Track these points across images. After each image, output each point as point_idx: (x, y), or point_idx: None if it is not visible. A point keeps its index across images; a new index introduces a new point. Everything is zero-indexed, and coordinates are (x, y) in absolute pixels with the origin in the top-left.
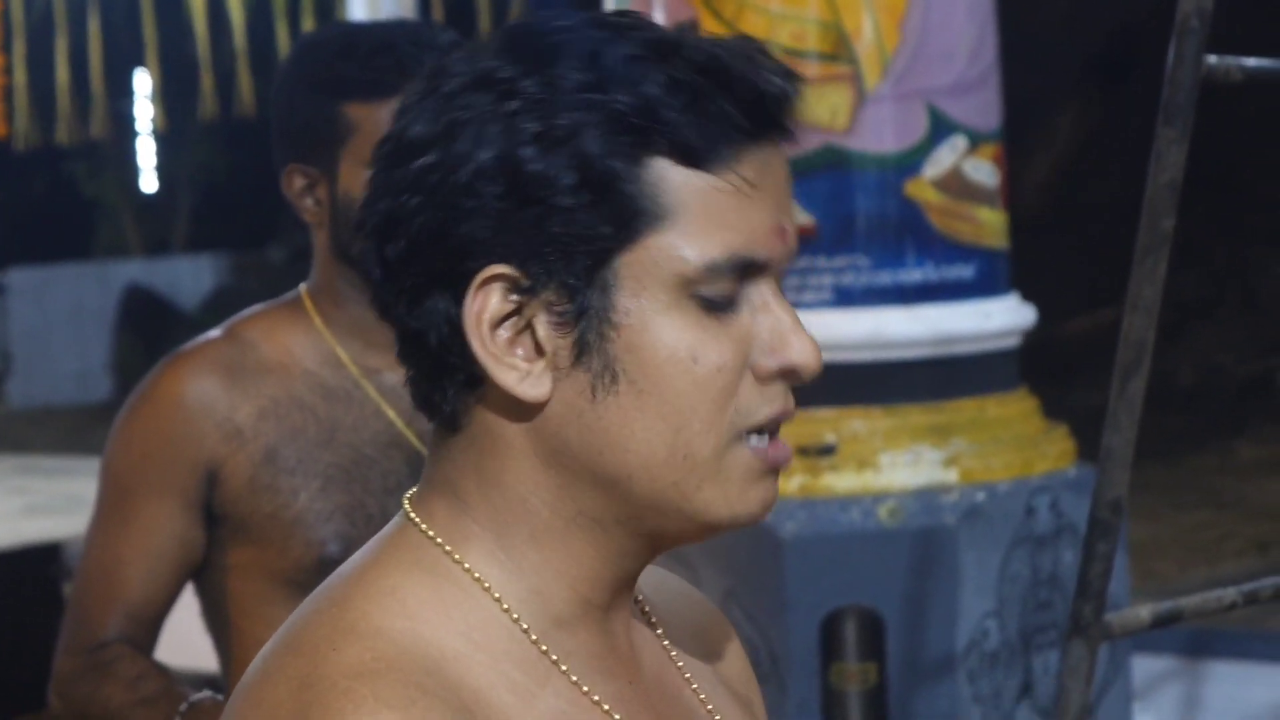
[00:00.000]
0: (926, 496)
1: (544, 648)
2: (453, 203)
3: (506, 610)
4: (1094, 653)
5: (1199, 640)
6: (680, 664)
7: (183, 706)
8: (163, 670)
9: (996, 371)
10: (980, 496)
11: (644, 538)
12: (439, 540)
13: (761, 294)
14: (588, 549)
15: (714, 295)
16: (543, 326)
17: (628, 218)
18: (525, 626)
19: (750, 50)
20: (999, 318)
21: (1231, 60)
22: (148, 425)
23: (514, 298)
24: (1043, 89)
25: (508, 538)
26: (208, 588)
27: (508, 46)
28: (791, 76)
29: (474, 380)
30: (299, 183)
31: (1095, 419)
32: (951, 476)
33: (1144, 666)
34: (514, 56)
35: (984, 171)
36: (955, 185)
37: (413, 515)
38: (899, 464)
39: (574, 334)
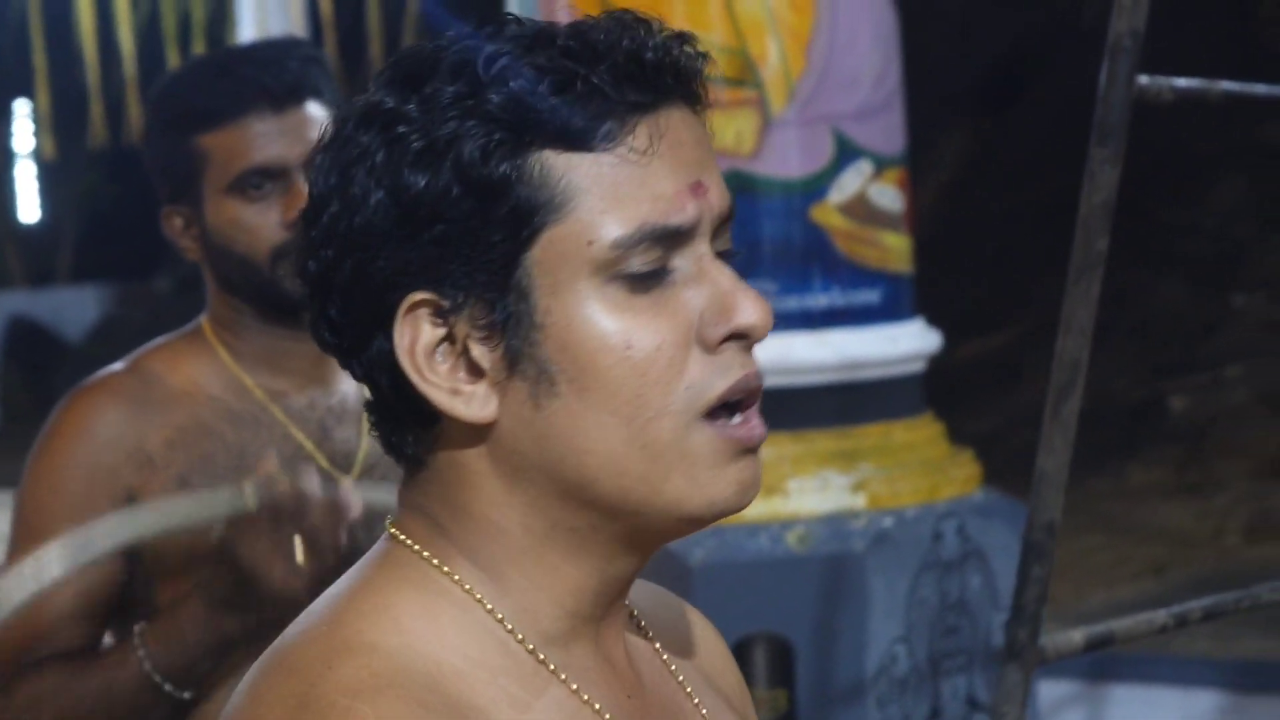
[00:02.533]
0: (835, 522)
1: (541, 657)
2: (361, 243)
3: (500, 621)
4: (1029, 677)
5: (1102, 664)
6: (680, 677)
7: (137, 628)
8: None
9: (902, 396)
10: (888, 522)
11: (624, 541)
12: (426, 554)
13: (694, 260)
14: (567, 562)
15: (636, 271)
16: (474, 345)
17: (522, 216)
18: (520, 638)
19: (625, 21)
20: (905, 342)
21: (1163, 80)
22: (58, 460)
23: (440, 322)
24: (930, 114)
25: (488, 560)
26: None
27: (392, 76)
28: (678, 38)
29: (428, 418)
30: (176, 223)
31: (984, 444)
32: (859, 502)
33: (1049, 691)
34: (396, 85)
35: (889, 196)
36: (861, 210)
37: (399, 535)
38: (807, 490)
39: (503, 345)
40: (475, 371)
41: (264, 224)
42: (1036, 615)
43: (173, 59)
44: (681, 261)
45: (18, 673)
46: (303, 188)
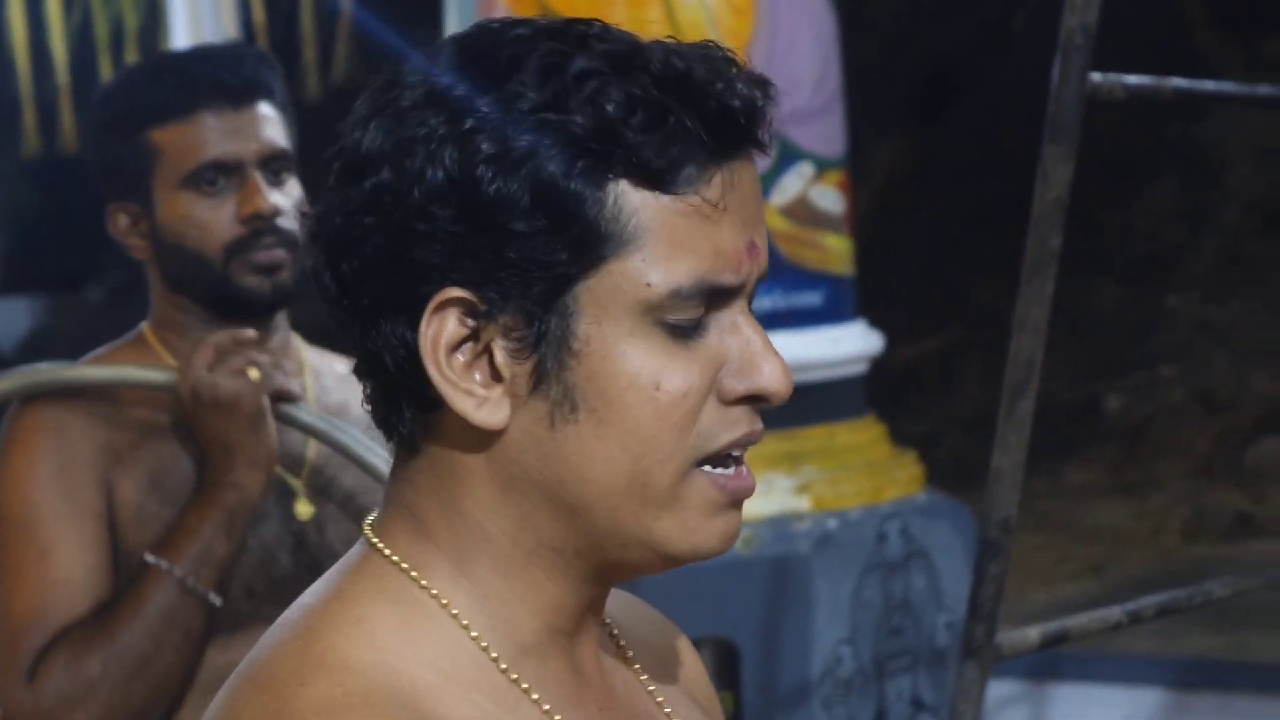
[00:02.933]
0: (779, 525)
1: (514, 676)
2: (406, 225)
3: (475, 638)
4: (986, 674)
5: (1047, 662)
6: (651, 688)
7: (148, 554)
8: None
9: (845, 398)
10: (832, 524)
11: (606, 568)
12: (404, 565)
13: (731, 315)
14: (550, 580)
15: (680, 321)
16: (500, 352)
17: (588, 243)
18: (495, 655)
19: (715, 60)
20: (847, 344)
21: (1115, 78)
22: (34, 458)
23: (470, 322)
24: (865, 116)
25: (470, 565)
26: None
27: (460, 60)
28: (760, 84)
29: (431, 403)
30: (122, 222)
31: (921, 446)
32: (804, 504)
33: (994, 691)
34: (467, 71)
35: (830, 198)
36: (802, 212)
37: (375, 540)
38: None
39: (532, 361)
40: (494, 377)
41: (218, 219)
42: (993, 613)
43: (105, 67)
44: (719, 314)
45: (46, 652)
46: (259, 185)
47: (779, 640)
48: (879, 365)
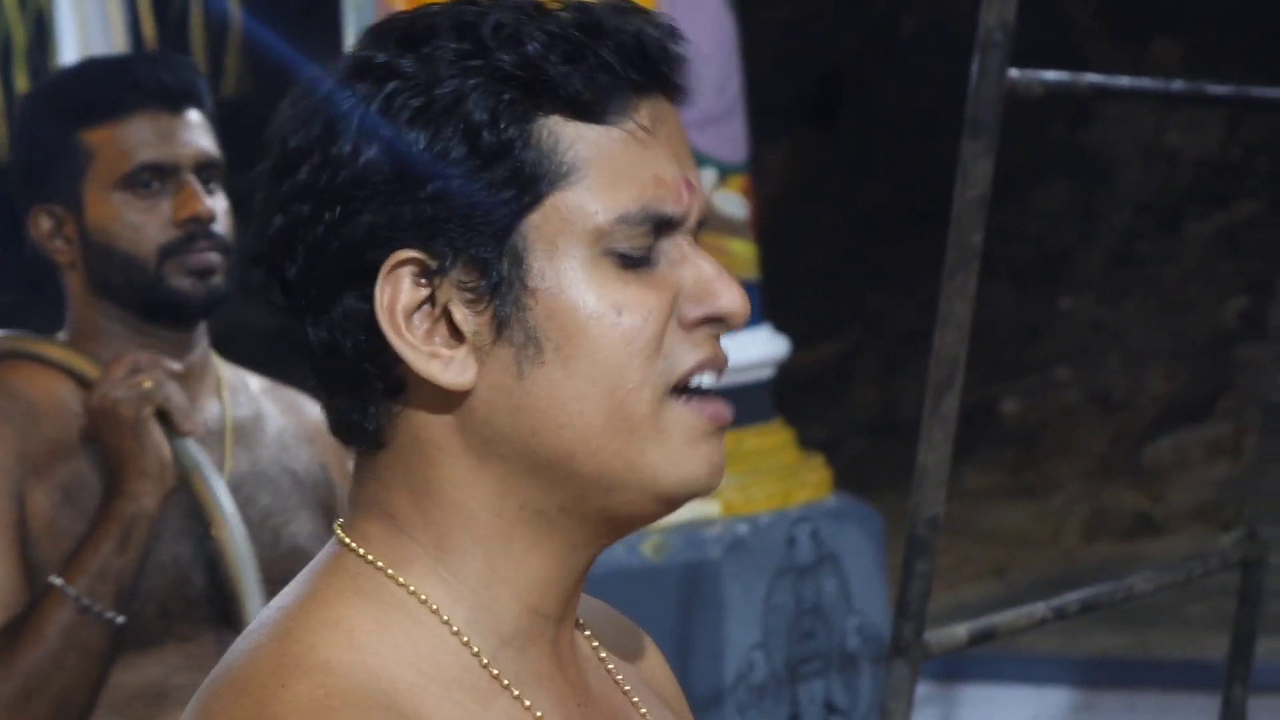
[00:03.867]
0: (690, 531)
1: (495, 671)
2: (345, 196)
3: (456, 633)
4: (915, 672)
5: (952, 664)
6: (626, 687)
7: (52, 576)
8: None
9: (753, 403)
10: (743, 529)
11: (593, 523)
12: (379, 564)
13: (678, 247)
14: (534, 549)
15: (629, 250)
16: (458, 309)
17: (528, 180)
18: (476, 650)
19: (623, 7)
20: (754, 349)
21: (1032, 74)
22: None
23: (424, 282)
24: (757, 123)
25: (448, 552)
26: None
27: (379, 37)
28: (670, 30)
29: (395, 387)
30: (45, 224)
31: (823, 450)
32: (714, 510)
33: None
34: (387, 43)
35: (733, 203)
36: (706, 218)
37: (347, 540)
38: None
39: (491, 309)
40: (455, 336)
41: (151, 222)
42: (921, 611)
43: None
44: (667, 246)
45: None
46: (195, 189)
47: (691, 646)
48: (783, 370)
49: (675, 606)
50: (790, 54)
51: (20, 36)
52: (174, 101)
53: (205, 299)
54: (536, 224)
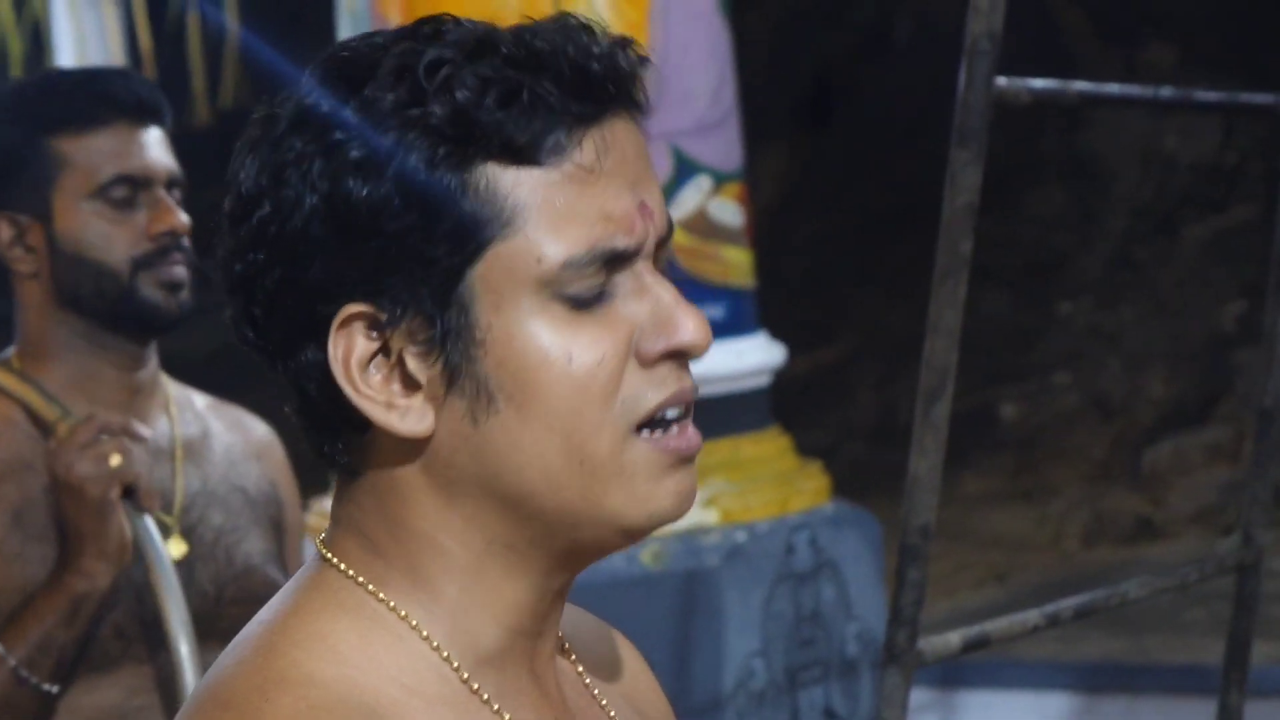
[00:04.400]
0: (688, 539)
1: (475, 686)
2: (292, 250)
3: (436, 648)
4: (909, 680)
5: (952, 670)
6: (604, 701)
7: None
8: None
9: (749, 410)
10: (741, 536)
11: (562, 555)
12: (360, 579)
13: (636, 278)
14: (507, 577)
15: (579, 292)
16: (411, 358)
17: (468, 231)
18: (456, 665)
19: (569, 28)
20: (750, 356)
21: (1020, 82)
22: None
23: (375, 335)
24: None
25: (423, 577)
26: None
27: (324, 76)
28: (622, 44)
29: (360, 424)
30: (7, 232)
31: (822, 457)
32: (711, 517)
33: None
34: (329, 86)
35: (729, 211)
36: (701, 226)
37: (329, 555)
38: None
39: (441, 360)
40: (411, 385)
41: (124, 234)
42: (914, 618)
43: None
44: (622, 279)
45: None
46: (169, 203)
47: (691, 654)
48: (779, 377)
49: (674, 614)
50: (782, 58)
51: (16, 46)
52: (144, 116)
53: (175, 312)
54: (481, 274)
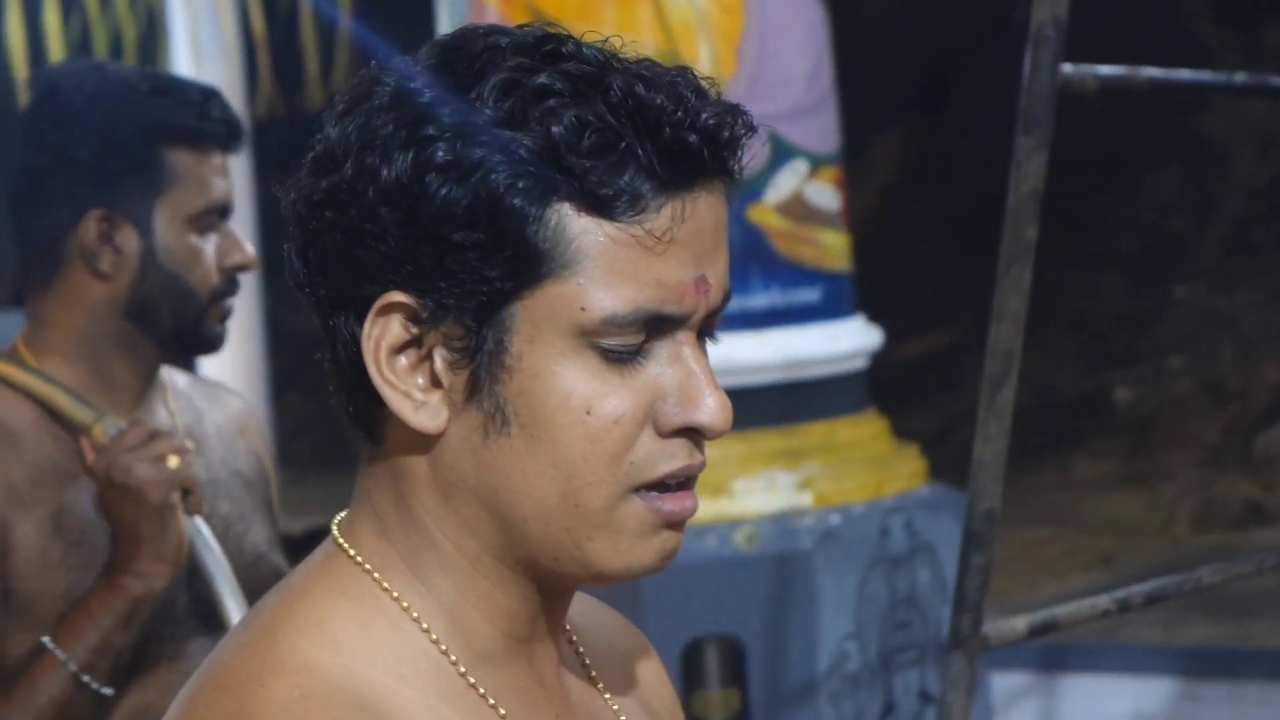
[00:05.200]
0: (782, 521)
1: (472, 680)
2: (358, 224)
3: (435, 641)
4: (974, 665)
5: (1053, 654)
6: (607, 695)
7: (45, 638)
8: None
9: (846, 393)
10: (835, 519)
11: (545, 579)
12: (366, 566)
13: (675, 345)
14: (498, 589)
15: (614, 346)
16: (440, 359)
17: (525, 262)
18: (454, 659)
19: (683, 87)
20: (846, 340)
21: (1086, 69)
22: None
23: (413, 328)
24: (865, 114)
25: (423, 569)
26: None
27: (435, 63)
28: (730, 112)
29: (380, 401)
30: (98, 228)
31: (931, 441)
32: (806, 500)
33: (1001, 683)
34: (437, 76)
35: (825, 195)
36: (798, 209)
37: (340, 540)
38: (753, 489)
39: (468, 371)
40: (434, 382)
41: (208, 262)
42: (978, 604)
43: None
44: (661, 344)
45: None
46: (240, 236)
47: (785, 637)
48: (886, 361)
49: (767, 597)
50: (898, 43)
51: (130, 31)
52: (234, 144)
53: (220, 344)
54: (526, 305)
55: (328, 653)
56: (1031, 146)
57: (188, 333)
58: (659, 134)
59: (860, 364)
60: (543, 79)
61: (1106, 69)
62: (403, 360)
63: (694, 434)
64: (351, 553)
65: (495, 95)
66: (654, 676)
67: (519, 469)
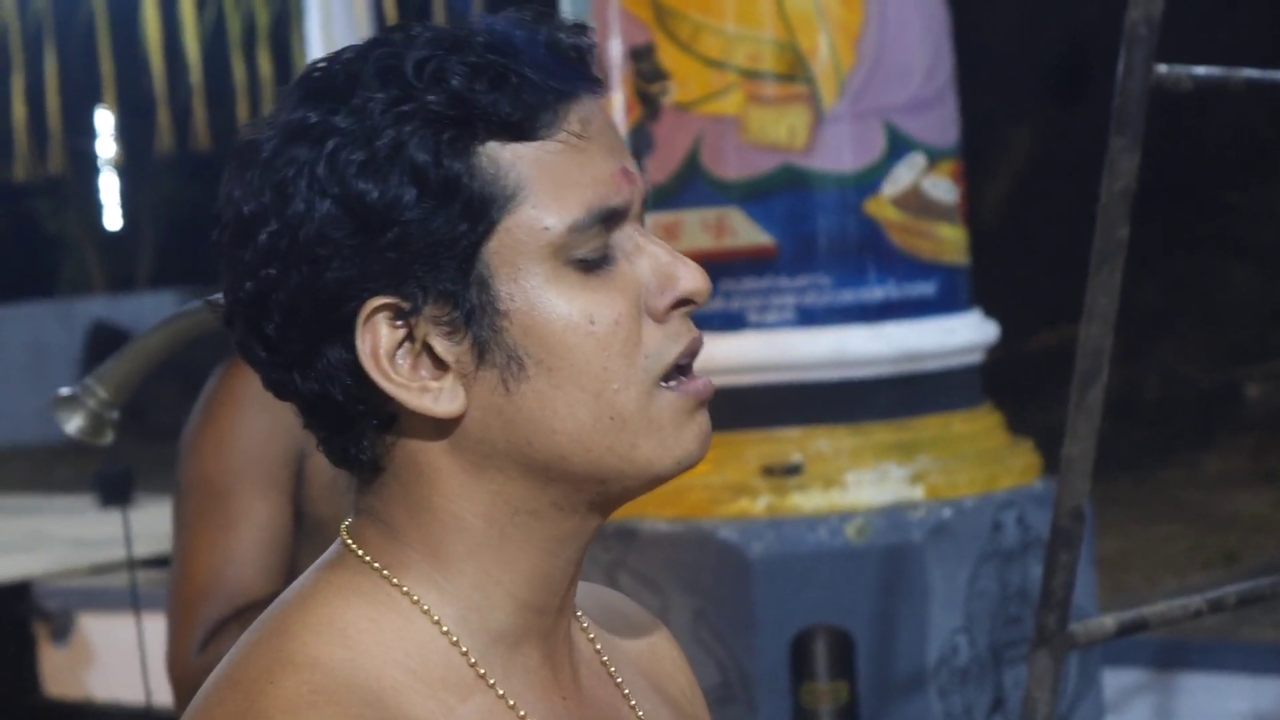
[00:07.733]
0: (893, 514)
1: (481, 670)
2: (309, 255)
3: (446, 633)
4: (1059, 662)
5: (1170, 651)
6: (619, 679)
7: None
8: None
9: (960, 388)
10: (947, 513)
11: (584, 511)
12: (376, 564)
13: (630, 239)
14: (525, 547)
15: (587, 254)
16: (437, 341)
17: (479, 210)
18: (465, 649)
19: (529, 18)
20: (961, 334)
21: (1181, 69)
22: (234, 425)
23: (400, 324)
24: (996, 106)
25: (444, 558)
26: None
27: (304, 94)
28: (578, 29)
29: (387, 420)
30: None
31: (1059, 434)
32: (918, 493)
33: (1115, 679)
34: (315, 101)
35: (943, 188)
36: (915, 203)
37: (349, 542)
38: (865, 482)
39: (469, 337)
40: (440, 366)
41: None
42: (1065, 601)
43: (238, 66)
44: (619, 240)
45: (221, 627)
46: None
47: (894, 629)
48: (1010, 354)
49: (877, 589)
50: (1031, 33)
51: (264, 19)
52: None
53: None
54: (495, 249)
55: (338, 649)
56: (1123, 146)
57: None
58: (537, 56)
59: (975, 358)
60: (415, 53)
61: (1201, 69)
62: (401, 361)
63: (684, 307)
64: (361, 553)
65: (378, 85)
66: (672, 664)
67: (549, 409)
